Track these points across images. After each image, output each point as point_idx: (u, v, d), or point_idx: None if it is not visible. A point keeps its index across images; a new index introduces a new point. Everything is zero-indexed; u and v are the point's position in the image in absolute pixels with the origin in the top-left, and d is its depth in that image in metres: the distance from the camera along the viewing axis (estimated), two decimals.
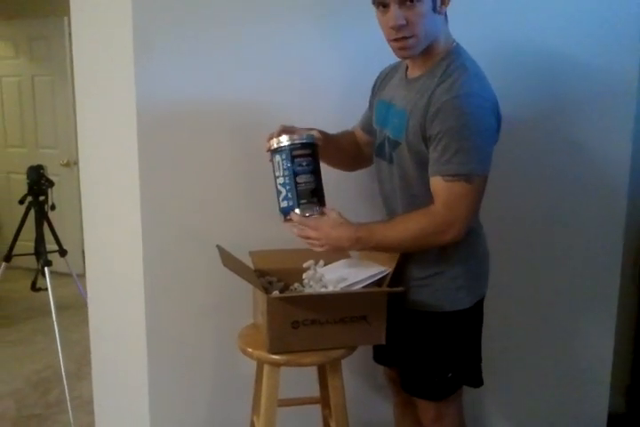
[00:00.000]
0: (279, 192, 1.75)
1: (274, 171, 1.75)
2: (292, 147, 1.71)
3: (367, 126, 1.95)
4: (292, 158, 1.71)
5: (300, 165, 1.71)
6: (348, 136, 2.00)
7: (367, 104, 1.98)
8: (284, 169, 1.72)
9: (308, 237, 1.73)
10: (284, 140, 1.72)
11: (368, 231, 1.69)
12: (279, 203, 1.75)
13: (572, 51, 2.24)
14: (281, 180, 1.73)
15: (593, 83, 2.28)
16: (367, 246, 1.73)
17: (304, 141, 1.72)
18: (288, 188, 1.72)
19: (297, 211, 1.71)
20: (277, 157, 1.73)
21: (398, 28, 1.61)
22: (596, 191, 2.37)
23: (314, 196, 1.72)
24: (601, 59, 2.26)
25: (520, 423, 2.52)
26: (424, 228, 1.65)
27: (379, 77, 1.93)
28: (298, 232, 1.74)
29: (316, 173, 1.74)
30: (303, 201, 1.71)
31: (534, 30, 2.20)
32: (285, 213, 1.74)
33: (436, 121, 1.60)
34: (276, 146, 1.73)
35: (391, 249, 1.75)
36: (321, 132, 1.81)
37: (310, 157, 1.72)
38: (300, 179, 1.71)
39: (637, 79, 2.30)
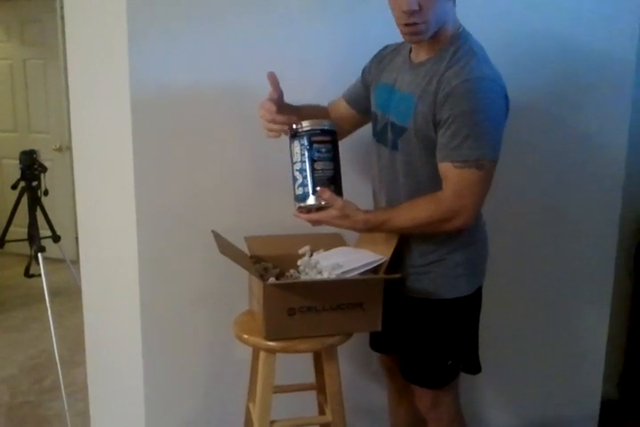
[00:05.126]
0: (295, 179, 1.70)
1: (291, 157, 1.71)
2: (312, 133, 1.67)
3: (353, 99, 1.92)
4: (311, 144, 1.66)
5: (319, 152, 1.66)
6: (319, 112, 1.92)
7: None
8: (301, 155, 1.67)
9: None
10: (304, 125, 1.67)
11: (375, 218, 1.67)
12: (294, 190, 1.70)
13: (571, 36, 2.23)
14: (298, 166, 1.68)
15: (591, 68, 2.27)
16: (375, 231, 1.71)
17: (325, 128, 1.68)
18: (305, 174, 1.67)
19: (311, 198, 1.66)
20: (295, 143, 1.69)
21: (411, 13, 1.57)
22: (592, 178, 2.37)
23: (331, 184, 1.67)
24: (599, 44, 2.25)
25: (514, 410, 2.53)
26: (432, 215, 1.63)
27: (375, 58, 1.88)
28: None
29: (334, 160, 1.69)
30: (319, 188, 1.66)
31: (533, 16, 2.19)
32: (300, 200, 1.69)
33: (446, 105, 1.57)
34: (294, 132, 1.68)
35: (398, 232, 1.74)
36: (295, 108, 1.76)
37: (330, 144, 1.68)
38: (318, 165, 1.66)
39: (635, 63, 2.30)
